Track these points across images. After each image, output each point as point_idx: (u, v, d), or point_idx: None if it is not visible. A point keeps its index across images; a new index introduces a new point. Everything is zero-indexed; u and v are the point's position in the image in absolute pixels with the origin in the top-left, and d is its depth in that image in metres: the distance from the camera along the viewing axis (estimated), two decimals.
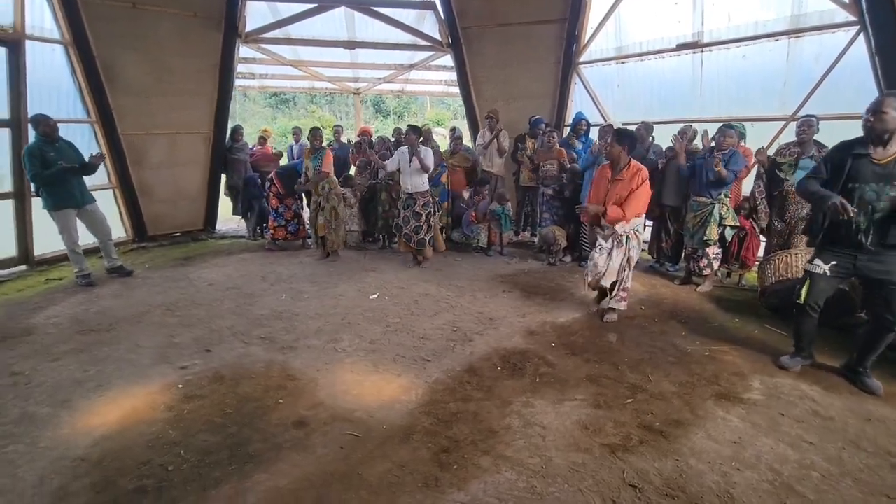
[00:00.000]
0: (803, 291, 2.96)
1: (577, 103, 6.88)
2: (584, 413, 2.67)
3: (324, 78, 8.69)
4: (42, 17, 5.39)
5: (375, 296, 4.58)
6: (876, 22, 4.00)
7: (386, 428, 2.53)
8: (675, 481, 2.14)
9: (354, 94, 9.53)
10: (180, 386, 2.94)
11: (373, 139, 7.11)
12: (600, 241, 3.93)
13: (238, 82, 8.53)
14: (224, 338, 3.64)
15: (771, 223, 4.55)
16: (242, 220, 7.31)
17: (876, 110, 2.57)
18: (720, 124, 4.48)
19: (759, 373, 3.13)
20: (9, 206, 5.18)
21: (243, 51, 7.42)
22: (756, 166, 4.59)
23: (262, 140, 7.61)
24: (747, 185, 4.91)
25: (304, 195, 6.40)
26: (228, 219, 8.06)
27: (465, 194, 6.09)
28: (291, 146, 7.78)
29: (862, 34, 4.17)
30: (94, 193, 5.25)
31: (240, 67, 7.94)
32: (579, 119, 5.93)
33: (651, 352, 3.44)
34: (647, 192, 3.75)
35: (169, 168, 6.68)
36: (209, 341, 3.57)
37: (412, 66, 8.35)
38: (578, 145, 5.82)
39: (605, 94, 6.61)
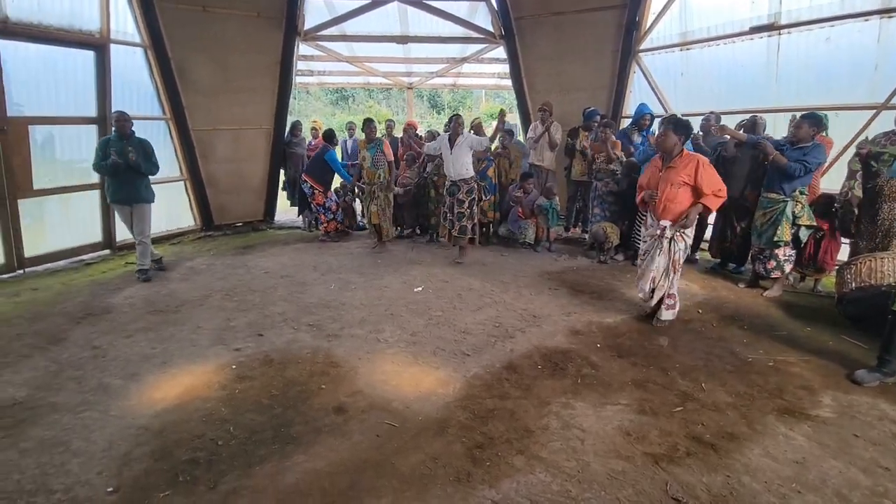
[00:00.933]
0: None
1: (636, 94, 6.54)
2: (628, 419, 2.55)
3: (378, 73, 8.85)
4: (125, 23, 5.88)
5: (420, 288, 4.62)
6: None
7: (421, 419, 2.55)
8: (725, 499, 1.99)
9: (408, 88, 9.64)
10: (233, 367, 3.12)
11: (418, 132, 7.16)
12: (645, 241, 3.71)
13: (298, 79, 8.88)
14: (275, 323, 3.82)
15: (859, 223, 4.07)
16: (298, 212, 7.63)
17: None
18: (799, 114, 4.08)
19: (831, 388, 2.84)
20: (95, 196, 5.72)
21: (302, 48, 7.72)
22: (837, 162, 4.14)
23: (315, 132, 7.88)
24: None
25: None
26: (286, 210, 8.46)
27: (517, 193, 5.99)
28: (345, 141, 8.00)
29: None
30: (168, 185, 5.68)
31: (299, 65, 8.26)
32: (643, 112, 5.60)
33: (706, 358, 3.22)
34: (713, 172, 3.44)
35: (233, 162, 7.10)
36: (262, 326, 3.77)
37: (464, 60, 8.30)
38: (638, 139, 5.54)
39: (667, 83, 6.22)
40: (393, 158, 5.78)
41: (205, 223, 7.08)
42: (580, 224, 6.63)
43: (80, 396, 2.78)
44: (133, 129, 4.82)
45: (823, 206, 4.27)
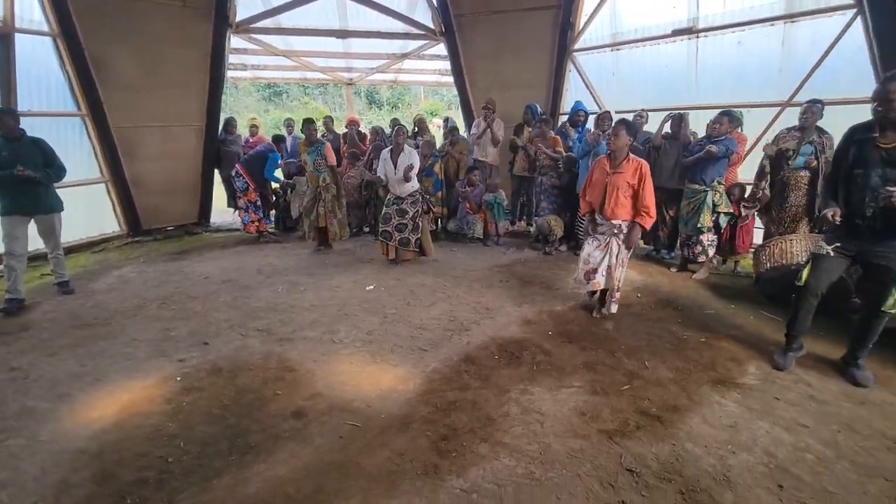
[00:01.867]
0: (805, 273, 2.88)
1: (573, 92, 6.84)
2: (582, 400, 2.69)
3: (316, 68, 8.59)
4: (31, 9, 5.29)
5: (372, 287, 4.58)
6: (874, 5, 3.97)
7: (384, 417, 2.54)
8: (672, 465, 2.16)
9: (347, 84, 9.44)
10: (178, 379, 2.93)
11: (360, 129, 7.04)
12: (594, 242, 3.83)
13: (230, 73, 8.41)
14: (221, 330, 3.63)
15: (770, 211, 4.54)
16: (237, 213, 7.26)
17: (884, 98, 2.49)
18: (716, 111, 4.47)
19: (754, 358, 3.15)
20: None
21: (234, 41, 7.33)
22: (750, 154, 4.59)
23: (253, 129, 7.53)
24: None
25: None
26: (223, 211, 8.03)
27: (462, 188, 6.05)
28: (283, 137, 7.69)
29: (859, 18, 4.14)
30: (86, 188, 5.15)
31: (231, 58, 7.82)
32: (577, 109, 5.89)
33: (647, 339, 3.46)
34: (651, 185, 3.61)
35: (161, 161, 6.62)
36: (206, 334, 3.57)
37: (405, 56, 8.27)
38: (574, 134, 5.80)
39: (601, 81, 6.57)
40: (335, 161, 5.58)
41: (132, 228, 6.55)
42: (525, 218, 6.84)
43: (1, 423, 2.50)
44: (24, 128, 4.06)
45: (736, 194, 4.70)
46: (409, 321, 3.80)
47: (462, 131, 7.18)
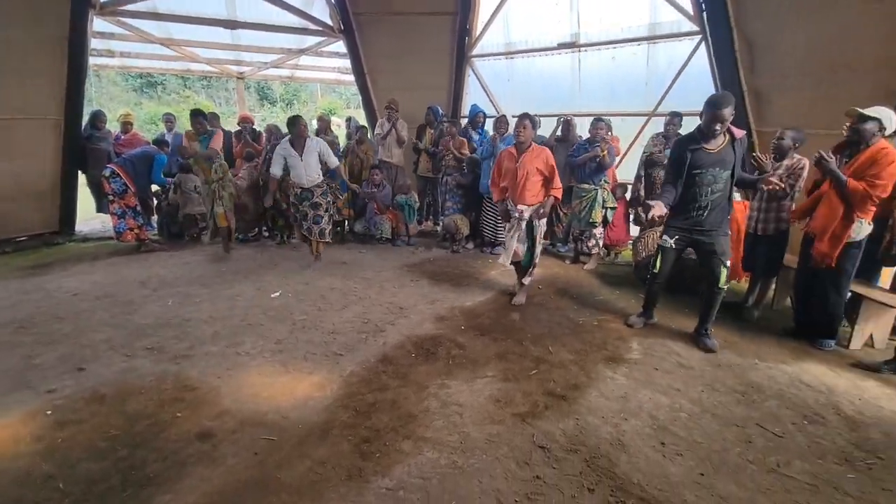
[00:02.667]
0: (657, 262, 3.47)
1: (472, 95, 7.13)
2: (496, 388, 2.85)
3: (201, 59, 7.85)
4: None
5: (277, 294, 4.36)
6: (714, 32, 4.74)
7: (302, 427, 2.46)
8: (577, 437, 2.40)
9: (238, 78, 8.78)
10: (49, 412, 2.53)
11: (255, 127, 6.63)
12: (510, 231, 4.15)
13: (93, 60, 7.34)
14: (100, 353, 3.20)
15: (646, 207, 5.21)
16: (110, 219, 6.39)
17: (718, 120, 3.03)
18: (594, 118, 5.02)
19: (636, 336, 3.60)
20: None
21: (99, 24, 6.43)
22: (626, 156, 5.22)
23: (127, 126, 6.68)
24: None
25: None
26: (93, 217, 7.02)
27: (367, 188, 5.99)
28: (163, 135, 6.93)
29: (703, 43, 4.92)
30: None
31: (95, 43, 6.85)
32: (476, 112, 6.17)
33: (550, 326, 3.76)
34: (552, 166, 3.97)
35: (7, 161, 5.58)
36: (81, 358, 3.12)
37: (302, 52, 7.93)
38: (476, 136, 6.07)
39: (497, 87, 6.95)
40: (218, 146, 5.18)
41: None
42: (432, 217, 6.98)
43: None
44: None
45: (620, 192, 5.32)
46: (322, 326, 3.69)
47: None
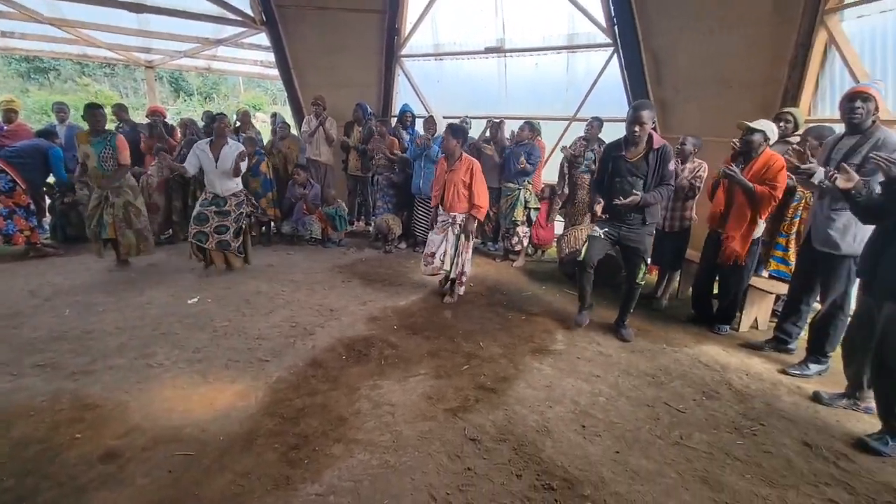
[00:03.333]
0: (584, 250, 3.68)
1: (403, 95, 7.12)
2: (428, 385, 2.88)
3: (101, 44, 7.09)
4: None
5: (195, 299, 4.07)
6: (624, 45, 5.13)
7: (223, 439, 2.32)
8: (506, 427, 2.49)
9: (147, 67, 8.04)
10: None
11: (167, 121, 6.12)
12: (436, 230, 4.23)
13: None
14: None
15: (566, 206, 5.50)
16: None
17: (637, 121, 3.23)
18: (522, 120, 5.23)
19: (561, 328, 3.80)
20: None
21: None
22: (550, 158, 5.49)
23: (11, 115, 5.88)
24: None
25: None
26: None
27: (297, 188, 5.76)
28: (53, 126, 6.18)
29: (616, 54, 5.31)
30: None
31: None
32: (404, 111, 6.18)
33: (481, 322, 3.86)
34: (483, 181, 4.08)
35: None
36: None
37: (220, 42, 7.45)
38: (406, 136, 6.07)
39: (427, 87, 7.00)
40: (128, 161, 4.60)
41: None
42: (364, 217, 6.88)
43: None
44: None
45: (548, 192, 5.58)
46: (246, 332, 3.51)
47: (293, 129, 6.84)
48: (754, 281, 3.74)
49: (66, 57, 7.94)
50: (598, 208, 3.50)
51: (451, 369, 3.08)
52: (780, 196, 3.34)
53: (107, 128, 4.60)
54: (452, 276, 4.20)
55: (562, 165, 5.43)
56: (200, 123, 6.30)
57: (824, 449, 2.38)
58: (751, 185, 3.29)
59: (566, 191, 5.42)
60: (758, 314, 3.88)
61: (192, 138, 5.41)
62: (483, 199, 4.06)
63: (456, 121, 5.73)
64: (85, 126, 4.56)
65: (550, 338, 3.62)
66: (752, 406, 2.77)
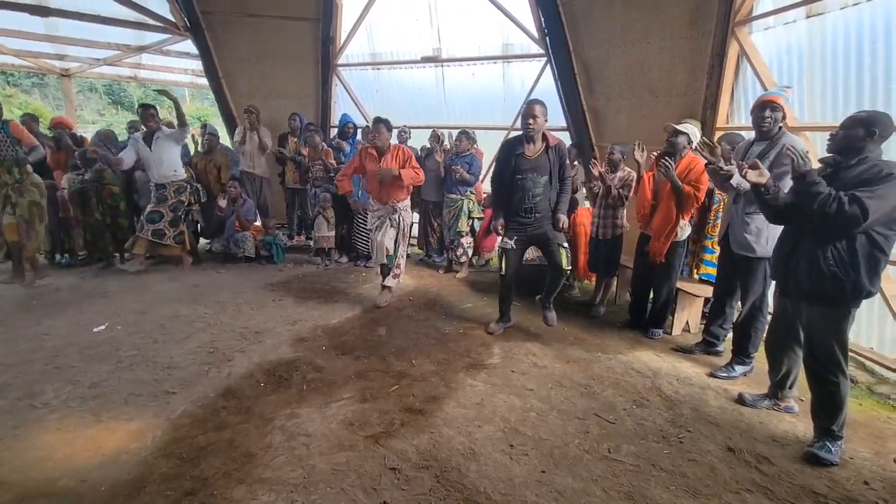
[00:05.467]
0: (502, 265, 3.68)
1: (341, 105, 6.94)
2: (351, 410, 2.69)
3: (6, 51, 6.48)
4: None
5: (103, 327, 3.70)
6: (556, 56, 5.20)
7: (106, 489, 2.04)
8: (430, 452, 2.34)
9: (63, 76, 7.44)
10: None
11: (76, 133, 5.65)
12: (372, 218, 4.29)
13: None
14: None
15: None
16: None
17: (529, 115, 3.31)
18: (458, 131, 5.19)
19: (499, 340, 3.71)
20: None
21: None
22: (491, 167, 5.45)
23: None
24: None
25: None
26: None
27: (222, 202, 5.42)
28: None
29: (549, 65, 5.37)
30: None
31: None
32: (346, 122, 6.00)
33: (416, 338, 3.71)
34: (416, 164, 4.21)
35: None
36: None
37: (143, 49, 7.00)
38: (347, 147, 5.88)
39: (366, 97, 6.85)
40: (34, 141, 4.28)
41: None
42: (304, 231, 6.59)
43: None
44: None
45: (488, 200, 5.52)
46: (155, 361, 3.20)
47: (224, 139, 6.49)
48: (682, 284, 3.81)
49: None
50: (499, 225, 3.60)
51: (378, 391, 2.90)
52: (703, 197, 3.42)
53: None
54: (389, 261, 4.20)
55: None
56: (121, 136, 5.87)
57: (746, 453, 2.39)
58: (680, 182, 3.36)
59: None
60: (689, 317, 3.95)
61: (98, 150, 5.02)
62: (420, 173, 4.20)
63: (395, 131, 5.63)
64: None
65: (487, 351, 3.52)
66: (681, 412, 2.76)
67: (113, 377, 2.99)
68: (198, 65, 7.49)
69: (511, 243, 3.57)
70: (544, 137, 3.42)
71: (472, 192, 5.31)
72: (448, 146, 5.43)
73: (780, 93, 2.88)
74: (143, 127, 4.71)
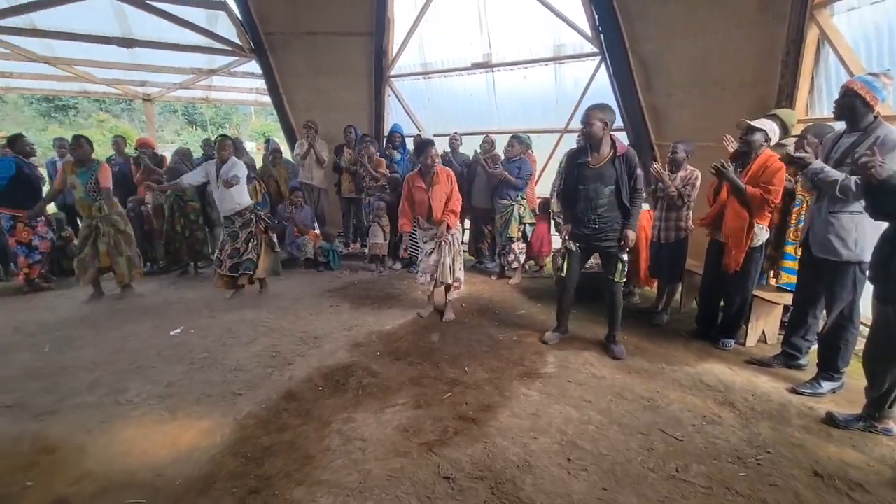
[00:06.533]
0: (564, 265, 3.53)
1: (394, 115, 7.10)
2: (406, 416, 2.70)
3: (98, 80, 7.24)
4: None
5: (178, 331, 3.98)
6: (611, 54, 5.02)
7: (180, 484, 2.17)
8: (483, 462, 2.30)
9: (145, 100, 8.20)
10: None
11: (157, 152, 6.17)
12: (425, 242, 4.22)
13: None
14: None
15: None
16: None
17: (585, 122, 3.17)
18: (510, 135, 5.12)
19: (554, 348, 3.60)
20: None
21: None
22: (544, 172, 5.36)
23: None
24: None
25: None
26: None
27: (289, 208, 5.74)
28: (54, 161, 6.24)
29: (603, 63, 5.19)
30: None
31: None
32: (394, 131, 6.14)
33: (469, 345, 3.68)
34: (457, 191, 4.13)
35: None
36: None
37: (213, 72, 7.56)
38: (397, 156, 6.00)
39: (418, 106, 6.96)
40: (109, 184, 4.56)
41: None
42: (359, 239, 6.79)
43: None
44: None
45: (543, 207, 5.42)
46: (223, 364, 3.39)
47: (286, 153, 6.85)
48: (758, 291, 3.50)
49: (66, 94, 8.13)
50: (566, 233, 3.48)
51: (431, 398, 2.90)
52: (776, 200, 3.13)
53: (92, 157, 4.61)
54: (449, 281, 4.15)
55: (555, 180, 5.28)
56: (196, 153, 6.35)
57: (837, 479, 2.14)
58: (741, 184, 3.11)
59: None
60: (765, 327, 3.63)
61: (176, 167, 5.45)
62: (458, 204, 4.11)
63: (446, 138, 5.68)
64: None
65: (541, 360, 3.42)
66: (758, 431, 2.53)
67: (186, 378, 3.19)
68: (261, 83, 7.98)
69: (575, 246, 3.46)
70: (612, 145, 3.22)
71: (523, 198, 5.22)
72: (497, 153, 5.38)
73: (867, 79, 2.57)
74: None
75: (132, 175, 5.89)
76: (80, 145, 4.45)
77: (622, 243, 3.30)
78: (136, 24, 6.03)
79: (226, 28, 6.35)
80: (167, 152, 7.07)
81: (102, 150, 5.83)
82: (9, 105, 19.91)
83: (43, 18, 5.65)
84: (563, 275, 3.54)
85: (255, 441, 2.49)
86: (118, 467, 2.29)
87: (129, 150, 6.34)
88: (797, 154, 2.57)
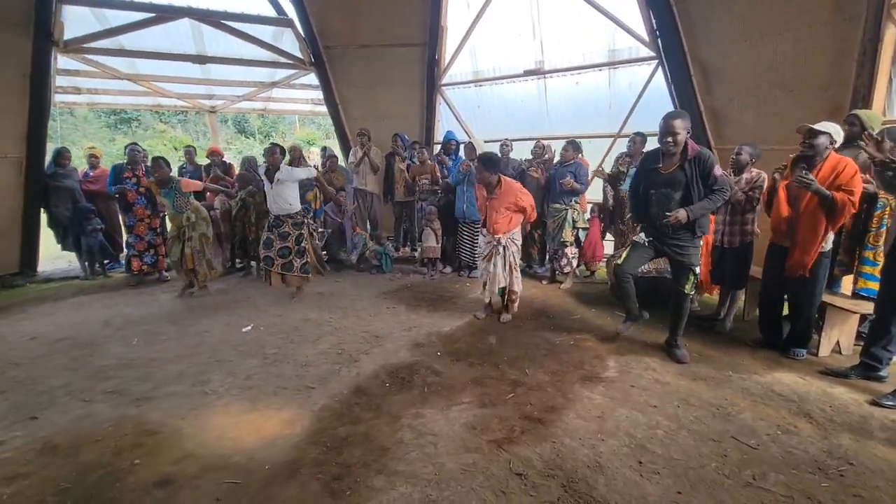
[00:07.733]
0: (623, 254, 3.53)
1: (444, 122, 7.26)
2: (472, 414, 2.79)
3: (171, 94, 7.83)
4: None
5: (249, 328, 4.24)
6: (669, 57, 4.96)
7: (269, 468, 2.35)
8: (554, 461, 2.34)
9: (210, 112, 8.77)
10: None
11: (224, 160, 6.58)
12: (482, 247, 4.31)
13: (59, 98, 7.26)
14: (56, 399, 3.04)
15: (613, 224, 5.30)
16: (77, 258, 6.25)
17: (668, 132, 3.11)
18: (564, 140, 5.13)
19: (613, 353, 3.59)
20: None
21: (64, 61, 6.39)
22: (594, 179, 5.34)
23: (94, 161, 6.52)
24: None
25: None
26: (57, 256, 6.79)
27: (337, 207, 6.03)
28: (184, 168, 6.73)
29: (660, 67, 5.14)
30: None
31: (60, 80, 6.79)
32: (449, 139, 6.27)
33: (526, 348, 3.73)
34: (527, 192, 4.20)
35: None
36: (35, 406, 2.95)
37: (274, 84, 7.99)
38: (450, 162, 6.14)
39: (468, 114, 7.09)
40: (199, 186, 5.19)
41: None
42: (410, 243, 6.97)
43: None
44: None
45: (598, 210, 5.41)
46: (294, 359, 3.59)
47: (340, 161, 7.14)
48: (833, 299, 3.37)
49: (142, 108, 8.82)
50: (637, 230, 3.51)
51: (495, 398, 2.97)
52: (857, 204, 3.02)
53: (171, 175, 4.99)
54: (495, 290, 4.23)
55: (604, 186, 5.28)
56: (261, 160, 6.71)
57: None
58: (829, 193, 3.00)
59: (611, 208, 5.23)
60: (840, 337, 3.48)
61: (245, 174, 5.79)
62: (531, 202, 4.17)
63: (496, 144, 5.76)
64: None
65: (601, 364, 3.42)
66: (839, 443, 2.45)
67: (262, 371, 3.41)
68: (316, 94, 8.36)
69: (645, 240, 3.45)
70: (684, 149, 3.16)
71: (576, 202, 5.22)
72: (549, 157, 5.42)
73: None
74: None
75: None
76: (160, 167, 4.83)
77: (670, 217, 3.15)
78: (210, 42, 6.50)
79: (289, 43, 6.73)
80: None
81: (170, 158, 6.28)
82: (77, 118, 21.54)
83: (129, 39, 6.20)
84: (620, 262, 3.53)
85: (332, 432, 2.64)
86: (213, 450, 2.49)
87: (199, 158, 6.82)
88: (889, 157, 2.48)
